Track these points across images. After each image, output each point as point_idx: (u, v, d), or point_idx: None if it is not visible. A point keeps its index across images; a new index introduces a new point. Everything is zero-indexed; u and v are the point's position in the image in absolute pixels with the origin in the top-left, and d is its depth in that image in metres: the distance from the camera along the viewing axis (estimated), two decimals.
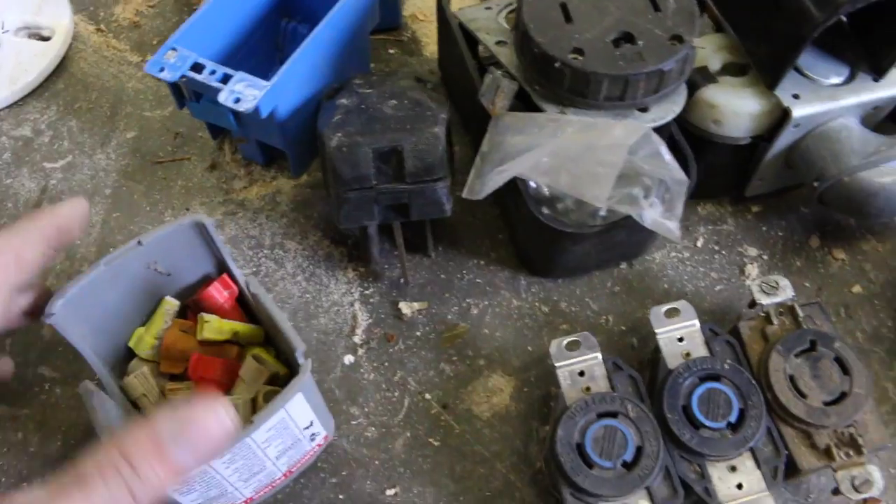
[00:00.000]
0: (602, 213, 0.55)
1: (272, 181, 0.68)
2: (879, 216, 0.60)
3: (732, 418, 0.52)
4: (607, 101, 0.54)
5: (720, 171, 0.64)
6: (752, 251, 0.65)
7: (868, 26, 0.60)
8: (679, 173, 0.52)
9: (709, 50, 0.62)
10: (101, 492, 0.31)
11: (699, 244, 0.65)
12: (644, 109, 0.55)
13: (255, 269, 0.64)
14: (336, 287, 0.63)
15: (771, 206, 0.67)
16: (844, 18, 0.63)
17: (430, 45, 0.75)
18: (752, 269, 0.64)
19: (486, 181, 0.54)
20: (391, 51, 0.75)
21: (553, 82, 0.55)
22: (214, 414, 0.35)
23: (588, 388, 0.54)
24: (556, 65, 0.53)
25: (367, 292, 0.63)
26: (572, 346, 0.55)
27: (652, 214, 0.54)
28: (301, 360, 0.49)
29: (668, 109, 0.55)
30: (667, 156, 0.51)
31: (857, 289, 0.63)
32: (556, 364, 0.54)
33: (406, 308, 0.61)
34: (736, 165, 0.63)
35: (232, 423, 0.35)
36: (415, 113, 0.58)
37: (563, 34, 0.54)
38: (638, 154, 0.51)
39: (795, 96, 0.59)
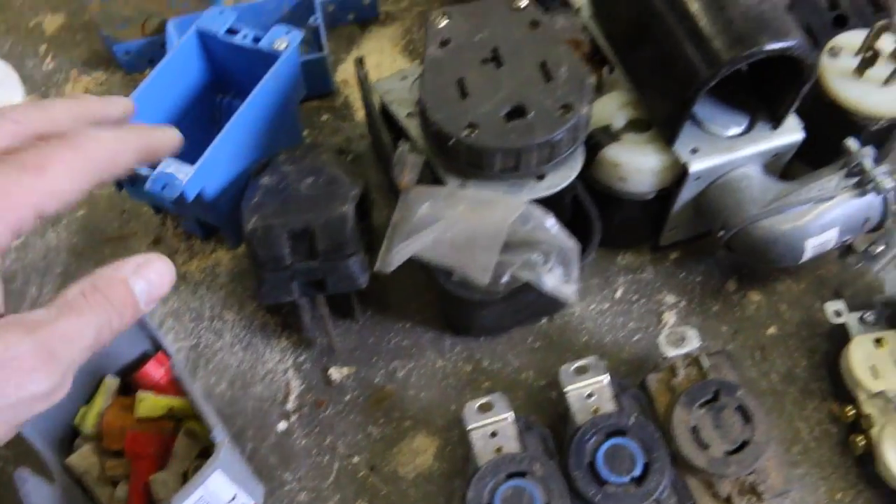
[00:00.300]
0: (505, 278, 0.57)
1: (211, 253, 0.71)
2: (781, 262, 0.61)
3: (637, 472, 0.54)
4: (503, 172, 0.56)
5: (633, 224, 0.66)
6: (671, 298, 0.67)
7: (764, 76, 0.62)
8: (567, 241, 0.54)
9: (614, 107, 0.64)
10: (90, 315, 0.36)
11: (618, 295, 0.67)
12: (541, 177, 0.58)
13: (195, 342, 0.67)
14: (271, 355, 0.66)
15: (689, 251, 0.69)
16: (745, 68, 0.65)
17: (362, 109, 0.78)
18: (670, 317, 0.66)
19: (393, 255, 0.57)
20: (324, 117, 0.78)
21: (451, 156, 0.57)
22: (162, 268, 0.39)
23: (500, 449, 0.56)
24: (451, 142, 0.56)
25: (299, 359, 0.66)
26: (485, 408, 0.57)
27: (551, 280, 0.56)
28: (217, 440, 0.52)
29: (563, 176, 0.58)
30: (553, 227, 0.54)
31: (772, 330, 0.65)
32: (469, 427, 0.57)
33: (336, 373, 0.64)
34: (647, 217, 0.65)
35: (172, 274, 0.40)
36: (327, 191, 0.60)
37: (458, 110, 0.57)
38: (527, 226, 0.54)
39: (694, 150, 0.61)
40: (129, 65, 0.83)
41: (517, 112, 0.56)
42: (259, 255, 0.58)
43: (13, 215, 0.37)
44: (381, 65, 0.80)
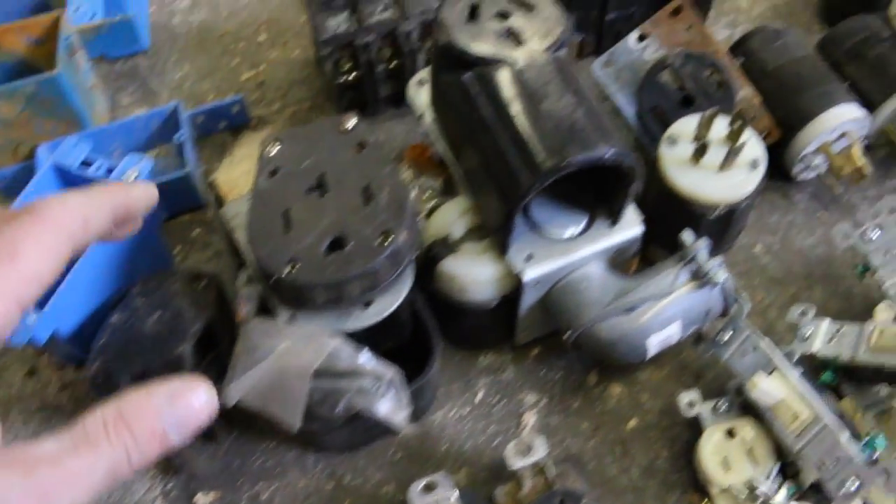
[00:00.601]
0: (340, 407, 0.57)
1: (85, 381, 0.72)
2: (627, 359, 0.62)
3: None
4: (327, 304, 0.57)
5: (485, 329, 0.67)
6: (531, 398, 0.67)
7: (598, 175, 0.62)
8: (386, 371, 0.55)
9: (454, 215, 0.65)
10: (106, 451, 0.33)
11: (479, 398, 0.67)
12: (368, 304, 0.58)
13: None
14: (140, 485, 0.66)
15: (550, 346, 0.69)
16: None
17: None
18: (530, 418, 0.66)
19: (231, 391, 0.57)
20: (195, 231, 0.79)
21: (276, 292, 0.58)
22: (200, 394, 0.36)
23: None
24: (272, 279, 0.56)
25: (167, 487, 0.66)
26: None
27: (384, 407, 0.56)
28: None
29: (389, 302, 0.58)
30: (367, 363, 0.54)
31: (633, 423, 0.65)
32: None
33: (202, 499, 0.65)
34: (498, 321, 0.66)
35: (214, 404, 0.37)
36: (170, 327, 0.61)
37: (280, 245, 0.57)
38: (342, 362, 0.54)
39: (529, 257, 0.61)
40: (7, 190, 0.84)
41: (337, 243, 0.57)
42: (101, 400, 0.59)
43: None
44: (252, 171, 0.81)
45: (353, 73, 0.77)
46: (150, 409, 0.35)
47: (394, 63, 0.78)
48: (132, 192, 0.44)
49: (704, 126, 0.64)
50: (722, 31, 0.89)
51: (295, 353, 0.54)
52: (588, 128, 0.56)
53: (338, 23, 0.75)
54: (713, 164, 0.65)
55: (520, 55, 0.60)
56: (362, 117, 0.58)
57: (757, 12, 0.91)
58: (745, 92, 0.72)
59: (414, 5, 0.75)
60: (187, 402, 0.36)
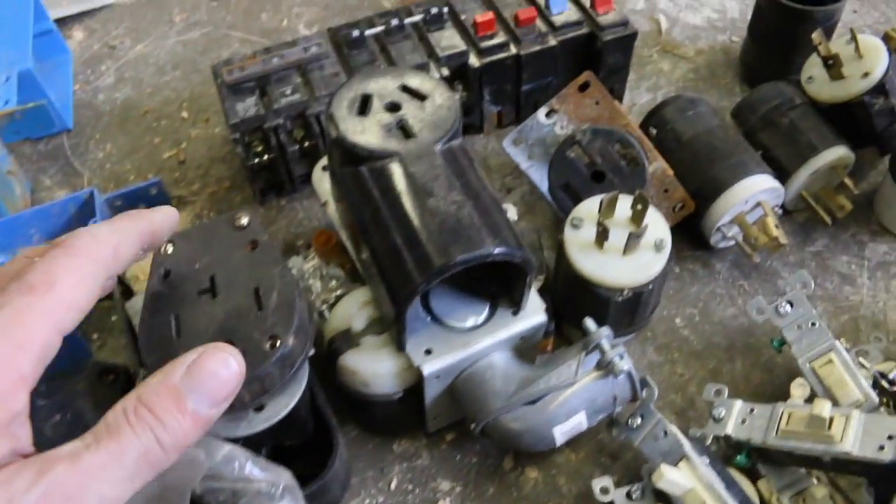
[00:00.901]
0: None
1: None
2: (535, 449, 0.61)
3: None
4: None
5: (393, 419, 0.66)
6: (446, 485, 0.66)
7: (495, 267, 0.62)
8: (278, 477, 0.54)
9: (354, 307, 0.64)
10: (132, 440, 0.34)
11: (393, 486, 0.66)
12: (260, 408, 0.57)
13: None
14: None
15: (465, 431, 0.68)
16: None
17: None
18: None
19: None
20: (113, 318, 0.78)
21: None
22: (223, 360, 0.37)
23: None
24: None
25: None
26: None
27: None
28: None
29: (283, 405, 0.57)
30: (255, 474, 0.53)
31: None
32: None
33: None
34: (404, 412, 0.65)
35: (239, 367, 0.38)
36: (68, 432, 0.60)
37: (170, 352, 0.55)
38: (233, 471, 0.53)
39: (428, 351, 0.60)
40: None
41: None
42: None
43: (35, 343, 0.34)
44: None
45: (266, 155, 0.77)
46: (168, 388, 0.35)
47: (307, 143, 0.77)
48: (155, 217, 0.46)
49: (606, 209, 0.63)
50: (644, 95, 0.88)
51: (178, 464, 0.53)
52: (475, 225, 0.56)
53: (246, 106, 0.74)
54: (617, 248, 0.64)
55: (409, 148, 0.59)
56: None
57: (678, 75, 0.91)
58: (658, 165, 0.71)
59: (321, 87, 0.75)
60: (209, 371, 0.36)
